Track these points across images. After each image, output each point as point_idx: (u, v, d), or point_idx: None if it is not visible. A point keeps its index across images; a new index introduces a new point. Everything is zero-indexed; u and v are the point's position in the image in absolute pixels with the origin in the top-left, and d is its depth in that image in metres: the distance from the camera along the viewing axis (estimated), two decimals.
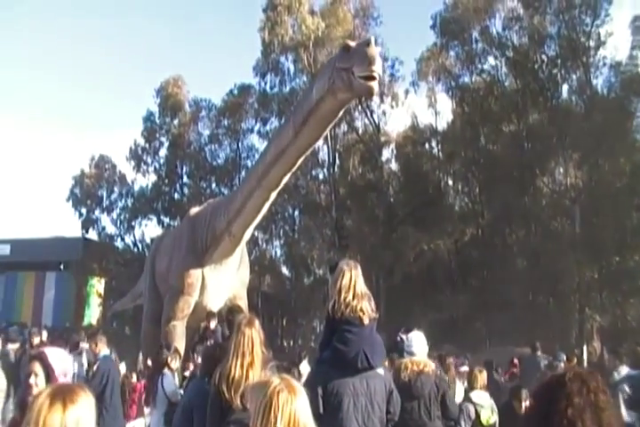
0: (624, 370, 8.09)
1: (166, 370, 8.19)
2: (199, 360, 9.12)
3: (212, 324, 10.81)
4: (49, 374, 3.73)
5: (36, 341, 11.69)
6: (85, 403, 2.35)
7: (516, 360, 14.64)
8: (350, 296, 4.18)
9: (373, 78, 7.41)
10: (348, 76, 7.61)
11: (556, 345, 22.63)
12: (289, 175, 10.95)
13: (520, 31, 33.10)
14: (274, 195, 11.42)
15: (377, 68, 7.33)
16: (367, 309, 4.21)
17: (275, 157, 10.41)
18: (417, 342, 5.99)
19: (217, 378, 4.08)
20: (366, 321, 4.19)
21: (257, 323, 4.17)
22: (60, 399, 2.28)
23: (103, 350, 8.29)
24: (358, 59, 7.43)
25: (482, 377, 7.92)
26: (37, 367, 3.74)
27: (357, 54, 7.50)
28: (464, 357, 14.09)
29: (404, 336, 6.15)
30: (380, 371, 4.34)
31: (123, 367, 10.57)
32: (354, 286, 4.22)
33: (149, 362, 11.49)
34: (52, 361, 3.76)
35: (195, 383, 5.52)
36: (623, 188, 28.03)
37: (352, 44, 7.90)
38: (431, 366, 6.09)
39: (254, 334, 4.07)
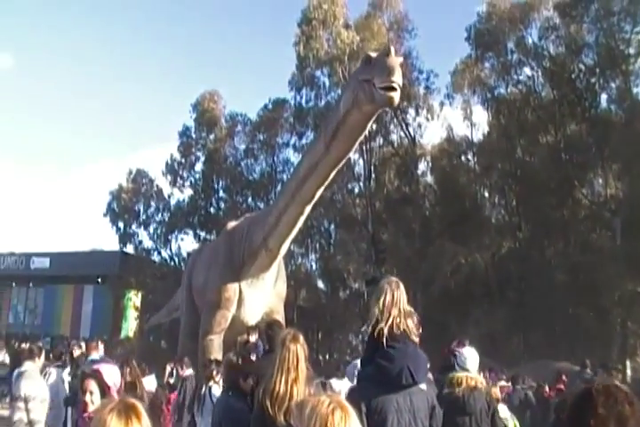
0: None
1: (212, 383, 8.23)
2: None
3: (253, 338, 10.76)
4: (104, 391, 3.74)
5: (77, 353, 11.78)
6: (147, 418, 2.34)
7: (564, 376, 14.22)
8: (394, 314, 4.12)
9: (394, 89, 7.33)
10: (370, 88, 7.55)
11: (597, 360, 22.17)
12: (322, 189, 10.94)
13: (557, 40, 32.88)
14: (308, 209, 11.40)
15: (396, 78, 7.26)
16: (411, 326, 4.15)
17: (307, 171, 10.42)
18: (470, 357, 5.89)
19: (260, 394, 4.04)
20: (410, 338, 4.13)
21: (301, 338, 4.14)
22: (124, 415, 2.26)
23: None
24: (378, 70, 7.39)
25: (495, 391, 7.81)
26: (93, 385, 3.76)
27: (377, 65, 7.45)
28: (500, 371, 13.82)
29: (457, 351, 6.04)
30: (423, 386, 4.26)
31: (152, 380, 10.57)
32: (397, 304, 4.16)
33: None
34: (107, 379, 3.77)
35: (220, 400, 5.49)
36: None
37: (373, 55, 7.83)
38: (483, 382, 6.02)
39: (299, 350, 4.03)
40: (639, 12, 29.32)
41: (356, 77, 8.23)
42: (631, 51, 29.82)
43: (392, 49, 7.48)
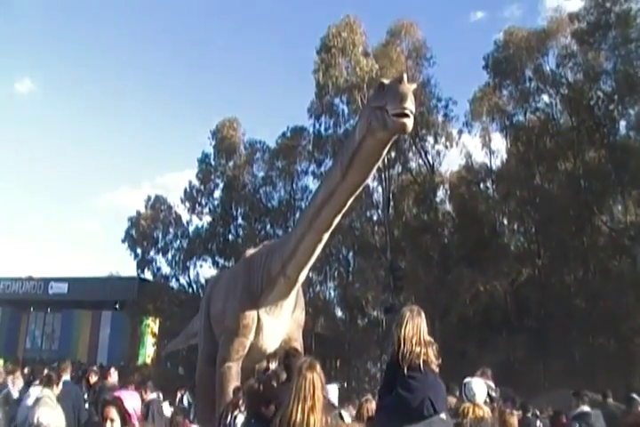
0: None
1: (237, 412, 8.16)
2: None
3: (273, 365, 10.70)
4: (124, 419, 3.74)
5: (94, 379, 11.77)
6: None
7: None
8: (414, 343, 4.14)
9: (406, 115, 7.34)
10: (383, 115, 7.52)
11: (619, 389, 21.74)
12: (339, 217, 10.92)
13: (574, 68, 33.06)
14: (326, 236, 11.37)
15: (409, 104, 7.20)
16: (431, 356, 4.15)
17: (324, 198, 10.41)
18: (478, 388, 5.85)
19: (277, 423, 4.03)
20: (431, 368, 4.12)
21: (318, 367, 4.12)
22: None
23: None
24: (391, 96, 7.35)
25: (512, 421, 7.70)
26: (113, 413, 3.77)
27: (390, 92, 7.42)
28: (511, 401, 13.54)
29: (465, 381, 6.00)
30: (443, 416, 4.26)
31: (166, 406, 10.57)
32: (418, 334, 4.18)
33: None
34: (128, 406, 3.78)
35: None
36: None
37: (386, 82, 7.82)
38: (489, 413, 5.98)
39: (315, 378, 4.02)
40: None
41: (370, 104, 8.26)
42: None
43: (405, 76, 7.46)
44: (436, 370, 4.23)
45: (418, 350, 4.12)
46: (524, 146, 33.87)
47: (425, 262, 33.34)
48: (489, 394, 6.76)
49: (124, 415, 3.79)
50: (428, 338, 4.25)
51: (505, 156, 36.89)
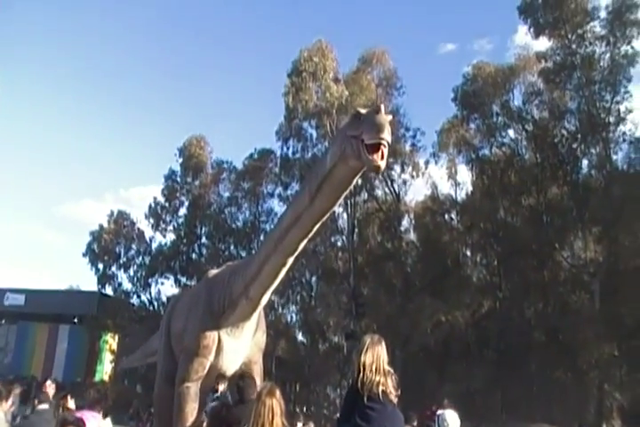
0: None
1: None
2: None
3: (221, 387, 10.64)
4: None
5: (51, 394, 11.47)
6: None
7: None
8: (374, 372, 4.15)
9: (382, 145, 7.42)
10: (358, 145, 7.37)
11: (574, 422, 22.02)
12: (305, 241, 10.95)
13: (540, 105, 33.75)
14: (291, 260, 11.35)
15: (386, 135, 7.03)
16: (391, 386, 4.18)
17: (291, 222, 10.37)
18: (451, 419, 5.90)
19: None
20: (389, 399, 4.15)
21: (278, 393, 4.08)
22: None
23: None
24: (367, 126, 7.23)
25: None
26: None
27: (367, 121, 7.30)
28: None
29: (439, 413, 6.04)
30: None
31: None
32: (377, 362, 4.20)
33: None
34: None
35: None
36: None
37: (363, 111, 7.85)
38: None
39: (275, 404, 3.99)
40: (618, 82, 30.28)
41: (344, 132, 8.27)
42: (611, 119, 30.58)
43: (382, 106, 7.42)
44: (395, 401, 4.26)
45: (377, 378, 4.13)
46: (489, 179, 34.37)
47: (387, 290, 33.43)
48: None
49: None
50: (387, 368, 4.26)
51: (470, 188, 37.41)
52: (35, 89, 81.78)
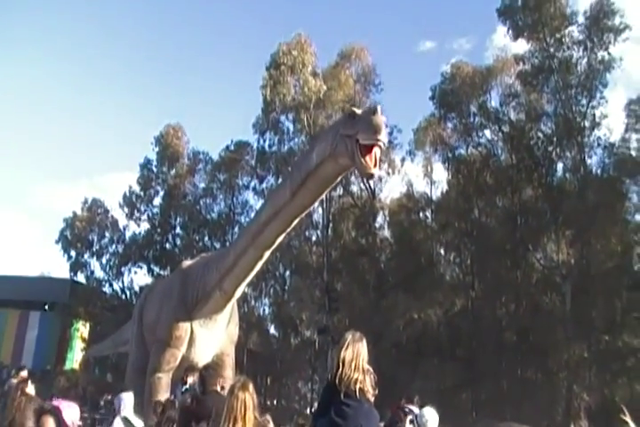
0: None
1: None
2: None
3: (190, 379, 10.58)
4: None
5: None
6: None
7: None
8: (353, 369, 4.13)
9: (378, 146, 7.36)
10: (352, 145, 7.52)
11: (543, 422, 22.25)
12: (284, 235, 10.93)
13: (517, 107, 33.95)
14: (267, 253, 11.35)
15: (382, 137, 7.25)
16: (369, 385, 4.17)
17: (270, 216, 10.35)
18: (430, 418, 5.87)
19: None
20: (366, 397, 4.14)
21: (251, 387, 3.99)
22: None
23: None
24: (363, 126, 7.35)
25: None
26: (50, 423, 3.65)
27: (362, 121, 7.41)
28: None
29: (414, 411, 6.00)
30: None
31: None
32: (357, 359, 4.18)
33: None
34: (66, 417, 3.68)
35: None
36: (614, 267, 28.20)
37: (358, 111, 7.84)
38: None
39: (247, 398, 3.90)
40: (595, 87, 30.57)
41: (337, 130, 8.15)
42: (586, 123, 30.89)
43: (379, 108, 7.47)
44: (372, 399, 4.25)
45: (356, 376, 4.11)
46: (465, 179, 34.49)
47: (361, 286, 33.49)
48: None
49: (61, 425, 3.69)
50: (366, 366, 4.25)
51: (445, 187, 37.54)
52: (7, 70, 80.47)
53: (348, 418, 4.05)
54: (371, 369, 4.28)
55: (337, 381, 4.13)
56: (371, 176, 7.70)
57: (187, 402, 5.50)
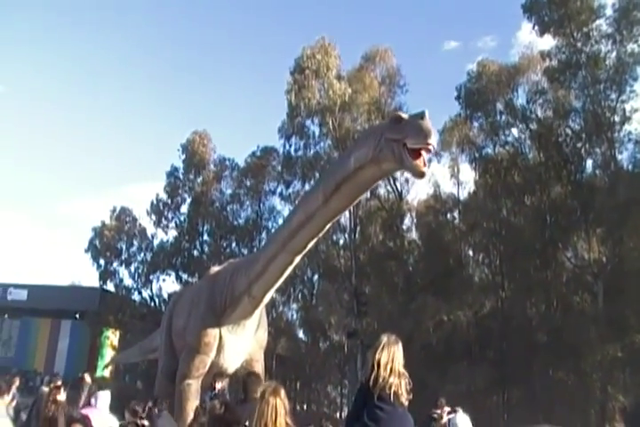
0: None
1: None
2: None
3: (219, 385, 10.54)
4: None
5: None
6: None
7: None
8: (388, 373, 4.06)
9: (428, 150, 7.43)
10: (399, 149, 7.53)
11: (577, 424, 21.87)
12: (315, 240, 10.88)
13: (545, 104, 33.46)
14: (298, 259, 11.31)
15: (432, 141, 7.29)
16: (403, 389, 4.08)
17: (302, 221, 10.30)
18: (462, 423, 5.77)
19: None
20: (400, 401, 4.06)
21: (282, 392, 3.92)
22: None
23: None
24: (412, 131, 7.37)
25: None
26: None
27: (411, 126, 7.43)
28: None
29: (450, 417, 5.88)
30: None
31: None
32: (392, 362, 4.11)
33: None
34: (95, 425, 3.65)
35: None
36: None
37: (404, 115, 7.83)
38: None
39: (279, 404, 3.83)
40: (624, 81, 30.03)
41: (379, 135, 8.10)
42: (616, 118, 30.31)
43: (426, 112, 7.49)
44: (406, 404, 4.16)
45: (390, 379, 4.05)
46: (492, 178, 34.10)
47: (389, 289, 33.33)
48: None
49: None
50: (402, 370, 4.18)
51: (473, 187, 37.24)
52: (34, 84, 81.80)
53: (381, 422, 3.99)
54: (406, 373, 4.19)
55: (371, 384, 4.06)
56: (422, 175, 7.66)
57: (216, 408, 5.41)
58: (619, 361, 26.59)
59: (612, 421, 26.64)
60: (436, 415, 9.07)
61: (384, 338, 4.28)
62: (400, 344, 4.28)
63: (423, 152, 7.43)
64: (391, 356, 4.15)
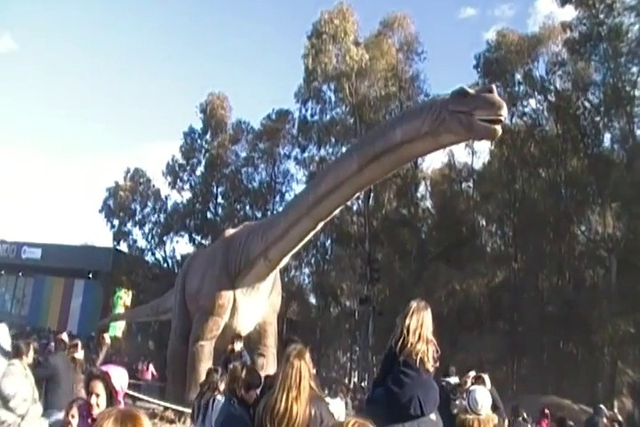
0: None
1: (218, 395, 7.76)
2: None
3: (238, 346, 10.61)
4: (111, 394, 3.64)
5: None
6: None
7: (547, 411, 14.09)
8: (415, 339, 4.05)
9: (499, 122, 7.58)
10: (468, 119, 7.69)
11: (585, 397, 21.98)
12: (340, 207, 10.88)
13: (564, 76, 33.05)
14: (320, 225, 11.34)
15: (504, 112, 7.55)
16: (430, 356, 4.09)
17: (331, 188, 10.27)
18: (482, 397, 5.73)
19: (261, 409, 3.93)
20: (426, 367, 4.06)
21: (307, 355, 3.90)
22: (125, 425, 2.21)
23: None
24: (483, 103, 7.59)
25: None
26: (100, 388, 3.62)
27: (480, 99, 7.66)
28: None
29: (471, 389, 5.83)
30: (433, 417, 4.18)
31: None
32: (420, 328, 4.09)
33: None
34: (115, 382, 3.67)
35: (223, 408, 5.41)
36: None
37: (470, 90, 7.98)
38: (495, 423, 5.85)
39: (303, 367, 3.80)
40: None
41: (440, 107, 8.26)
42: (637, 92, 29.95)
43: (494, 87, 7.89)
44: (432, 370, 4.17)
45: (419, 346, 4.05)
46: (509, 149, 33.82)
47: (402, 256, 33.40)
48: (494, 404, 6.67)
49: (111, 391, 3.68)
50: (430, 336, 4.17)
51: (487, 157, 37.06)
52: (47, 43, 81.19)
53: (404, 387, 3.98)
54: (434, 340, 4.19)
55: (398, 349, 4.06)
56: (495, 134, 7.79)
57: (237, 370, 5.45)
58: (630, 336, 26.49)
59: (620, 395, 26.76)
60: (444, 383, 9.13)
61: (413, 303, 4.25)
62: (429, 310, 4.27)
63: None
64: (420, 321, 4.13)
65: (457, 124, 7.94)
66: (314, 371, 3.95)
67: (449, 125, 8.09)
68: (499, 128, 7.61)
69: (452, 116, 7.96)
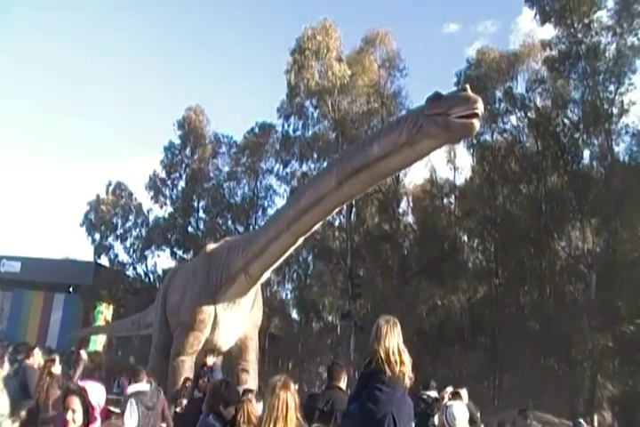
0: None
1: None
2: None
3: (210, 360, 10.59)
4: (87, 410, 3.62)
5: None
6: None
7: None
8: (389, 354, 4.10)
9: (475, 115, 7.40)
10: (445, 119, 7.54)
11: (565, 411, 22.04)
12: (321, 223, 10.88)
13: (543, 93, 33.37)
14: (301, 240, 11.34)
15: (480, 105, 7.37)
16: (404, 371, 4.13)
17: (311, 203, 10.25)
18: (459, 414, 5.76)
19: None
20: (400, 383, 4.11)
21: (292, 386, 3.93)
22: None
23: None
24: (457, 101, 7.49)
25: None
26: (76, 404, 3.61)
27: (454, 98, 7.59)
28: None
29: (448, 404, 5.86)
30: None
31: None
32: (393, 345, 4.15)
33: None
34: (92, 398, 3.65)
35: (200, 424, 5.40)
36: None
37: (443, 93, 7.90)
38: None
39: (289, 398, 3.83)
40: (623, 74, 29.91)
41: (416, 116, 8.16)
42: (614, 110, 30.21)
43: (468, 86, 7.70)
44: (408, 384, 4.21)
45: (392, 360, 4.10)
46: (490, 165, 34.11)
47: (384, 272, 33.41)
48: (472, 418, 6.71)
49: (87, 407, 3.66)
50: (403, 349, 4.22)
51: (469, 173, 37.28)
52: (34, 55, 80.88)
53: (379, 403, 4.03)
54: (407, 355, 4.23)
55: (372, 366, 4.10)
56: (473, 129, 7.63)
57: (217, 386, 5.46)
58: (609, 351, 26.74)
59: (600, 409, 26.91)
60: (425, 397, 9.16)
61: (383, 321, 4.31)
62: (399, 326, 4.33)
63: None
64: (393, 338, 4.20)
65: (434, 126, 7.78)
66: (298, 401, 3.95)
67: (426, 130, 7.94)
68: (476, 122, 7.43)
69: (429, 120, 7.81)
